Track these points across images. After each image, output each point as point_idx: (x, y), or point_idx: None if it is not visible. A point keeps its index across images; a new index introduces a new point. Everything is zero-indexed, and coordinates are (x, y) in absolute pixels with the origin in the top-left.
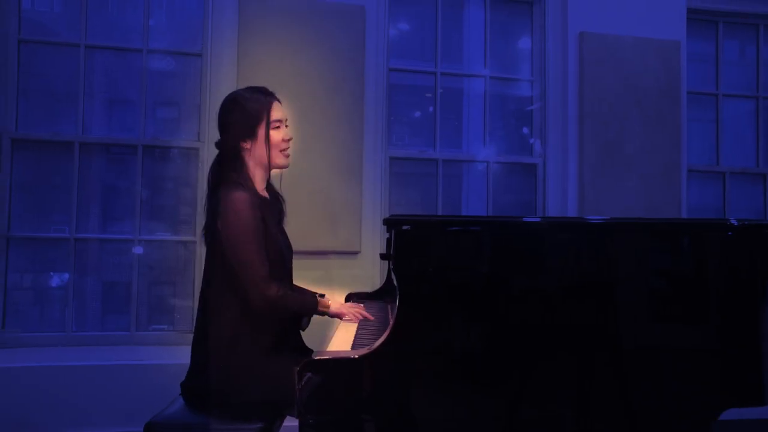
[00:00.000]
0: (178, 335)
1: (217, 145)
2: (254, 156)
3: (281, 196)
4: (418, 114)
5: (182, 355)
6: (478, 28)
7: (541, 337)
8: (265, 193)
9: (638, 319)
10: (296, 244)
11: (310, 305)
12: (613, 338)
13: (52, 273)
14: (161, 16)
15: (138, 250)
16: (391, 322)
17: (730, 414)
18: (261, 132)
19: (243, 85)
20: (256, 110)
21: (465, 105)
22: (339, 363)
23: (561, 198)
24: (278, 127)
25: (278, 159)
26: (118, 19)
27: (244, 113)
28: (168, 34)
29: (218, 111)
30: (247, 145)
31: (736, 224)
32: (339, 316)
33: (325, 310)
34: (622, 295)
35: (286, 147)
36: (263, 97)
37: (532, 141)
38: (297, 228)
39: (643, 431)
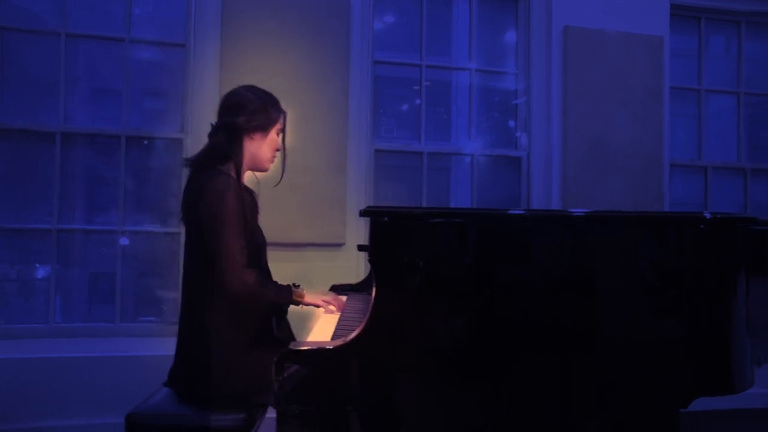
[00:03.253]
0: (164, 327)
1: (223, 125)
2: (252, 151)
3: (254, 191)
4: (405, 107)
5: (168, 347)
6: (464, 20)
7: (516, 329)
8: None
9: (613, 310)
10: (281, 236)
11: (286, 293)
12: (589, 329)
13: (36, 264)
14: (145, 6)
15: (123, 241)
16: (368, 314)
17: (700, 404)
18: (271, 133)
19: (227, 76)
20: (276, 113)
21: (452, 98)
22: (313, 354)
23: (545, 191)
24: (279, 135)
25: (266, 161)
26: (101, 7)
27: (266, 110)
28: (151, 24)
29: (229, 95)
30: (256, 137)
31: (708, 217)
32: (314, 305)
33: (300, 299)
34: (600, 287)
35: (275, 156)
36: (278, 105)
37: (517, 134)
38: (282, 220)
39: (614, 420)
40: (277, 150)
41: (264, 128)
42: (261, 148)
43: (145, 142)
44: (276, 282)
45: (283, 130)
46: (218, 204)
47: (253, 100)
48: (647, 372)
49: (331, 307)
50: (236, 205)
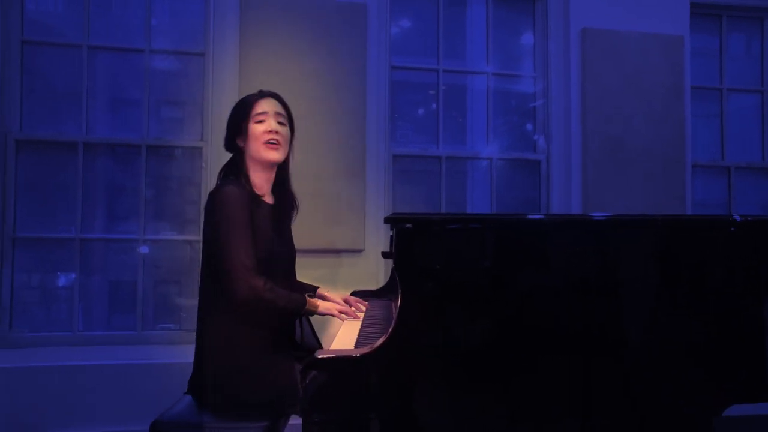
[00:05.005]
0: (184, 334)
1: (224, 146)
2: (250, 154)
3: (294, 199)
4: (421, 111)
5: (188, 354)
6: (480, 24)
7: (543, 334)
8: (267, 196)
9: (642, 316)
10: (300, 243)
11: (297, 303)
12: (617, 335)
13: (58, 273)
14: (163, 16)
15: (143, 249)
16: (393, 321)
17: (735, 409)
18: (245, 127)
19: (245, 83)
20: (242, 107)
21: (468, 102)
22: (340, 362)
23: (565, 194)
24: (261, 121)
25: (262, 151)
26: (121, 19)
27: (234, 112)
28: (170, 34)
29: None
30: (241, 142)
31: (739, 220)
32: (330, 314)
33: (313, 309)
34: (626, 291)
35: (270, 138)
36: (254, 95)
37: (535, 137)
38: (301, 226)
39: (646, 427)
40: (267, 133)
41: (238, 131)
42: (250, 146)
43: (165, 150)
44: (289, 291)
45: (262, 114)
46: (222, 212)
47: (230, 114)
48: (677, 378)
49: (344, 316)
50: (240, 213)
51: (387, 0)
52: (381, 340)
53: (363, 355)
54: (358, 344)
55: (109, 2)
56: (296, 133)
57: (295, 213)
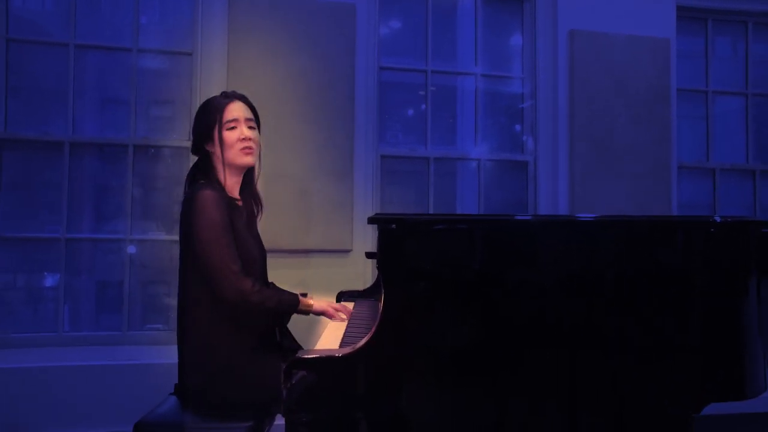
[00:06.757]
0: (171, 335)
1: (191, 150)
2: (219, 158)
3: (259, 200)
4: (410, 112)
5: (175, 355)
6: (469, 25)
7: (525, 333)
8: (236, 197)
9: (623, 315)
10: (287, 243)
11: (290, 302)
12: (602, 333)
13: (44, 273)
14: (151, 15)
15: (130, 249)
16: (377, 321)
17: (712, 408)
18: (216, 134)
19: (233, 83)
20: (211, 113)
21: (457, 103)
22: (323, 361)
23: (552, 195)
24: (233, 128)
25: (238, 158)
26: (109, 18)
27: (202, 117)
28: (158, 33)
29: None
30: (211, 148)
31: (719, 221)
32: (323, 314)
33: (308, 308)
34: (611, 291)
35: (244, 146)
36: (221, 99)
37: (523, 138)
38: (288, 226)
39: (626, 425)
40: (241, 141)
41: (208, 137)
42: (218, 151)
43: (152, 150)
44: (280, 290)
45: (233, 121)
46: (203, 217)
47: (196, 117)
48: (658, 377)
49: (342, 315)
50: (219, 216)
51: (376, 0)
52: (364, 340)
53: (345, 355)
54: (343, 344)
55: (97, 1)
56: (284, 133)
57: (260, 214)
